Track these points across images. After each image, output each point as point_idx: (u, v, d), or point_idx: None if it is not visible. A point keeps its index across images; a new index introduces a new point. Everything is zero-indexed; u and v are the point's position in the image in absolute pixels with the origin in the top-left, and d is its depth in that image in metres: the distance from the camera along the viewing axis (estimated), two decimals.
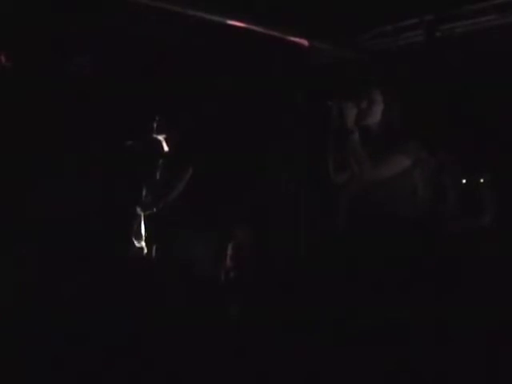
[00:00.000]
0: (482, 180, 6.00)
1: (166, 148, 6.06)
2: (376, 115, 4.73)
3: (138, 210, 6.05)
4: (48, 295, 5.21)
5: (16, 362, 4.43)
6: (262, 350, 4.79)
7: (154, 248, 6.00)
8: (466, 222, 5.90)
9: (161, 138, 6.03)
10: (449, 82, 6.25)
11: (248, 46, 6.48)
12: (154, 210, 5.97)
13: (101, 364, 4.54)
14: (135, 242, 6.08)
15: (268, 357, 4.68)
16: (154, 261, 6.02)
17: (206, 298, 5.96)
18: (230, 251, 6.72)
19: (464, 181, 6.05)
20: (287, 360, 4.63)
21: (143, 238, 6.04)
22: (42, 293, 5.22)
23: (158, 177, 6.07)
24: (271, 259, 6.24)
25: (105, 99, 6.36)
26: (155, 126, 5.98)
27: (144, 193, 6.09)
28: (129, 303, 5.37)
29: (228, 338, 5.14)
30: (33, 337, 4.69)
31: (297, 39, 6.67)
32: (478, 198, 5.93)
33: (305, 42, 6.71)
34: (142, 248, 6.06)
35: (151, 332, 5.03)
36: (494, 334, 4.50)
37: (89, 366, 4.49)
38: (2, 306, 4.87)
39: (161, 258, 5.99)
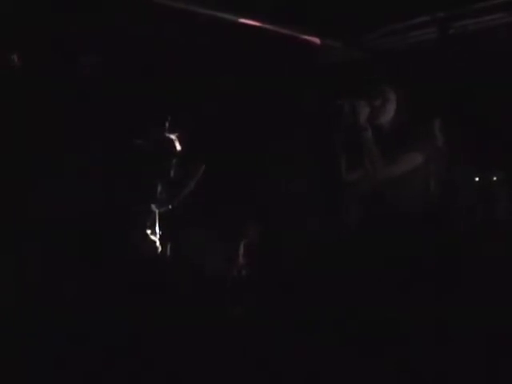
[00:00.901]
0: (495, 178, 5.96)
1: (177, 147, 6.10)
2: (389, 113, 4.75)
3: (153, 207, 6.09)
4: (52, 295, 5.25)
5: (18, 361, 4.47)
6: (272, 348, 4.80)
7: (166, 246, 6.04)
8: (479, 221, 5.87)
9: (172, 136, 6.08)
10: (461, 80, 6.21)
11: (255, 44, 6.47)
12: (169, 207, 6.01)
13: (112, 363, 4.58)
14: (147, 241, 6.13)
15: (279, 356, 4.69)
16: (165, 259, 6.06)
17: (218, 296, 5.97)
18: (241, 249, 6.71)
19: (477, 179, 6.01)
20: (298, 359, 4.63)
21: (156, 236, 6.08)
22: (47, 293, 5.25)
23: (170, 175, 6.11)
24: (282, 258, 6.23)
25: (116, 99, 6.39)
26: (166, 125, 6.04)
27: (158, 191, 6.13)
28: (138, 302, 5.40)
29: (239, 336, 5.15)
30: (37, 337, 4.73)
31: (307, 37, 6.65)
32: (491, 196, 5.89)
33: (316, 41, 6.70)
34: (154, 247, 6.10)
35: (162, 330, 5.05)
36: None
37: (95, 366, 4.53)
38: (3, 306, 4.91)
39: (173, 255, 6.03)
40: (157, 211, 6.08)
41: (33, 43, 5.79)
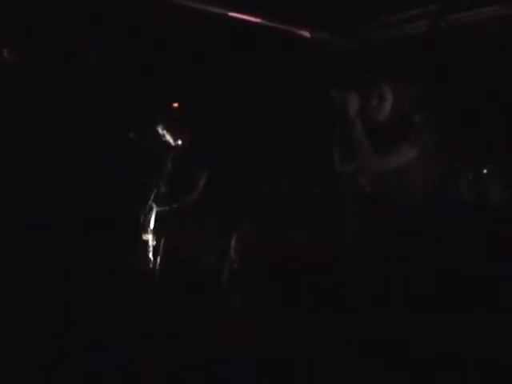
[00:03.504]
0: (489, 171, 5.95)
1: (179, 145, 6.11)
2: (385, 111, 4.73)
3: (153, 205, 6.09)
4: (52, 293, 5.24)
5: (17, 361, 4.45)
6: (263, 343, 4.79)
7: (159, 240, 6.04)
8: (472, 214, 5.87)
9: (170, 135, 6.09)
10: (453, 73, 6.20)
11: (250, 39, 6.44)
12: (169, 207, 6.02)
13: (109, 359, 4.56)
14: (142, 235, 6.13)
15: (270, 351, 4.68)
16: (158, 253, 6.05)
17: (210, 290, 5.96)
18: (233, 243, 6.68)
19: (472, 171, 6.00)
20: (289, 353, 4.63)
21: (150, 229, 6.09)
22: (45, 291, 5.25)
23: (172, 174, 6.12)
24: (275, 253, 6.22)
25: (115, 98, 6.39)
26: (164, 124, 6.05)
27: (158, 189, 6.13)
28: (131, 297, 5.40)
29: (230, 329, 5.15)
30: (38, 336, 4.72)
31: (298, 30, 6.62)
32: (485, 189, 5.89)
33: (306, 34, 6.67)
34: (147, 240, 6.10)
35: (153, 325, 5.05)
36: None
37: (92, 365, 4.51)
38: (3, 306, 4.90)
39: (165, 249, 6.02)
40: (154, 210, 6.08)
41: (36, 43, 5.77)
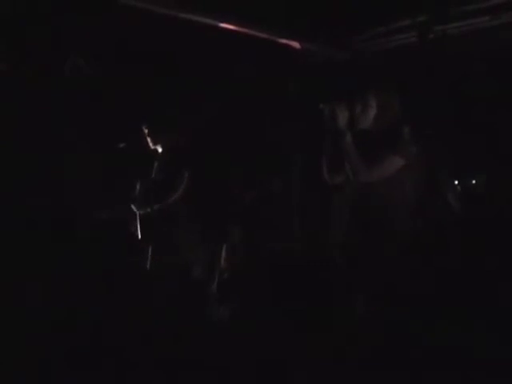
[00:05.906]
0: (477, 180, 6.00)
1: (161, 149, 6.07)
2: (369, 119, 4.74)
3: (133, 207, 6.04)
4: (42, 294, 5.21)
5: (17, 361, 4.42)
6: (254, 352, 4.78)
7: (149, 249, 6.01)
8: (462, 222, 5.90)
9: (157, 138, 6.06)
10: (442, 83, 6.26)
11: (240, 48, 6.46)
12: (149, 210, 5.96)
13: (98, 364, 4.54)
14: (130, 244, 6.09)
15: (269, 351, 4.68)
16: (147, 262, 6.02)
17: (199, 300, 5.94)
18: (224, 252, 6.67)
19: (460, 181, 6.05)
20: (288, 354, 4.63)
21: (140, 239, 6.05)
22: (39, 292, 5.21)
23: (155, 177, 6.08)
24: (265, 261, 6.23)
25: (103, 100, 6.38)
26: (152, 127, 6.03)
27: (139, 191, 6.09)
28: (122, 304, 5.37)
29: (220, 339, 5.13)
30: (39, 336, 4.69)
31: (288, 41, 6.66)
32: (473, 198, 5.94)
33: (296, 45, 6.70)
34: (136, 249, 6.07)
35: (143, 334, 5.02)
36: None
37: (79, 365, 4.48)
38: (3, 306, 4.88)
39: (154, 258, 6.00)
40: (138, 213, 6.02)
41: (30, 43, 5.77)
